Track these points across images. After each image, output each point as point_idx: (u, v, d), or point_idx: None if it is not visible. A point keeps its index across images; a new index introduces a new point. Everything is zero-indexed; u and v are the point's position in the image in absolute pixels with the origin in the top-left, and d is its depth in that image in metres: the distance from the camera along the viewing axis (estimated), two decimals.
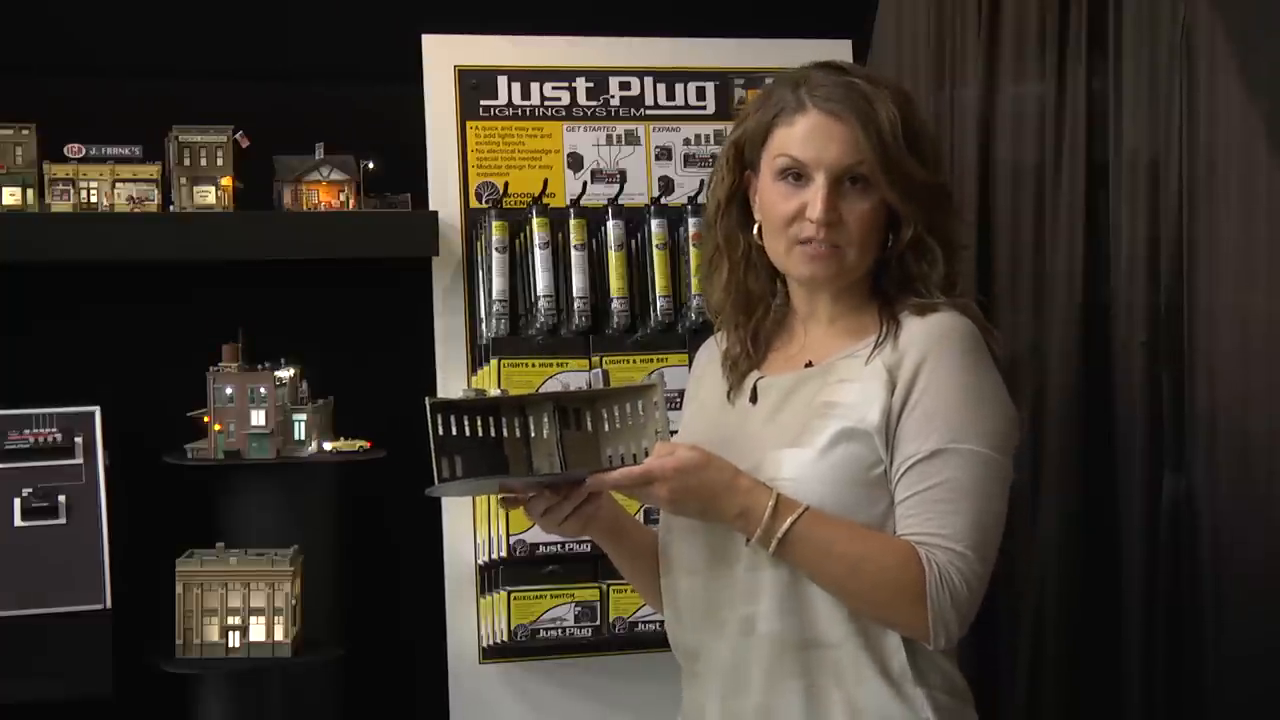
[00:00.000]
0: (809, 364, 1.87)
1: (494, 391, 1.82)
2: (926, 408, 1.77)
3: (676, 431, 1.90)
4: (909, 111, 1.83)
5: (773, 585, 1.79)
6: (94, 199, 2.63)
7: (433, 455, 1.72)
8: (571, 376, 2.74)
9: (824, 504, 1.76)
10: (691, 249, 2.80)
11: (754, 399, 1.88)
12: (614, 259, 2.79)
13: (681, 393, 2.75)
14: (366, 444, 2.70)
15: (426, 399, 1.74)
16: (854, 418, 1.78)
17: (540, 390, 2.68)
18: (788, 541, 1.74)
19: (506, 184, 2.81)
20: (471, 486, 1.88)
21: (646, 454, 1.78)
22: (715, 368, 1.96)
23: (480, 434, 1.75)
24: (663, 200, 2.86)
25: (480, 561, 2.78)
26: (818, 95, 1.82)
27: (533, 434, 1.79)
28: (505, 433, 1.76)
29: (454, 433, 1.74)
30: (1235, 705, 2.61)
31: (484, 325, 2.78)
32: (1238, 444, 2.61)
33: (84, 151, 2.63)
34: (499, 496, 1.84)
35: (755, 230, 1.89)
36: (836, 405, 1.80)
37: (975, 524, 1.75)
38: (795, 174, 1.82)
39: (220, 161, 2.68)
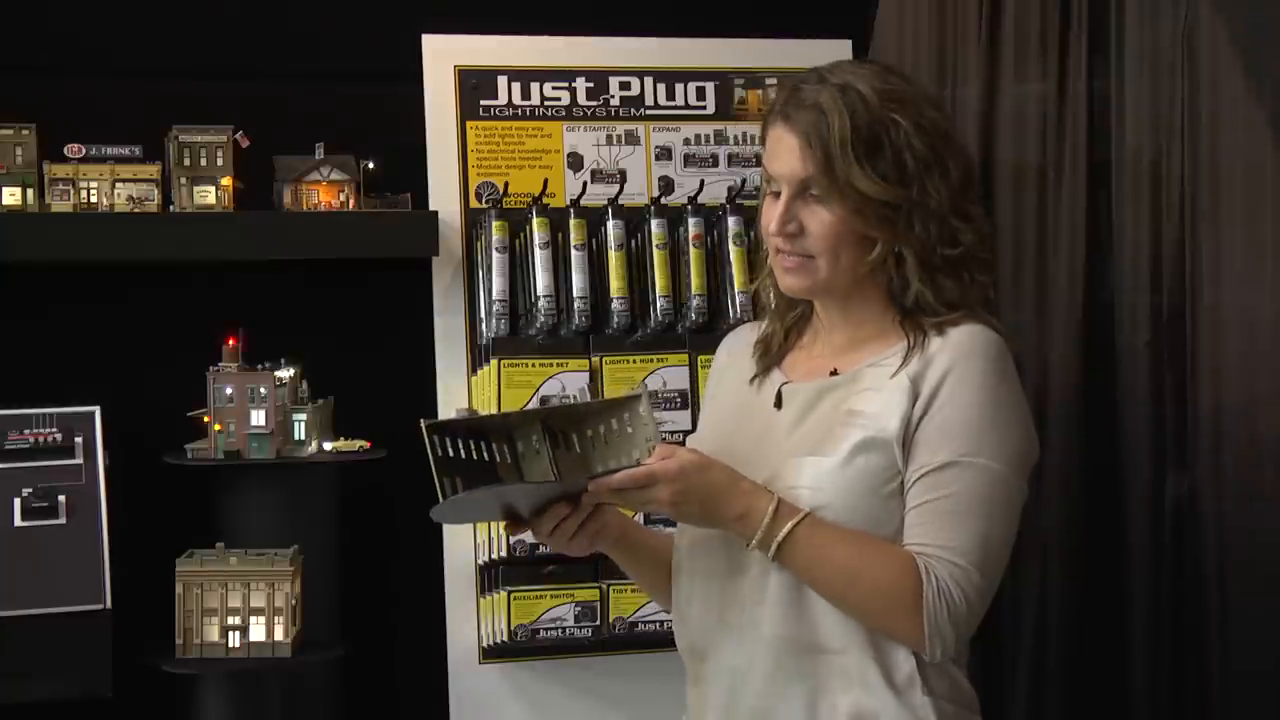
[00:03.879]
0: (834, 372, 1.86)
1: (483, 412, 1.81)
2: (944, 419, 1.75)
3: (674, 423, 1.89)
4: (872, 116, 1.76)
5: (778, 588, 1.79)
6: (94, 199, 2.63)
7: (434, 475, 1.71)
8: (571, 377, 2.74)
9: (840, 514, 1.75)
10: (692, 249, 2.80)
11: (778, 404, 1.87)
12: (614, 259, 2.79)
13: (681, 393, 2.78)
14: (366, 444, 2.70)
15: (422, 421, 1.73)
16: (875, 427, 1.77)
17: (539, 391, 2.68)
18: (786, 546, 1.73)
19: (506, 184, 2.81)
20: (473, 509, 1.87)
21: (639, 464, 1.77)
22: (737, 365, 1.95)
23: (475, 457, 1.75)
24: (663, 200, 2.86)
25: (480, 561, 2.78)
26: (784, 104, 1.81)
27: (523, 456, 1.78)
28: (499, 457, 1.76)
29: (451, 454, 1.73)
30: (1241, 708, 2.60)
31: (484, 325, 2.78)
32: (1242, 446, 2.60)
33: (84, 151, 2.63)
34: (503, 523, 1.82)
35: None
36: (860, 415, 1.78)
37: (980, 539, 1.73)
38: (774, 186, 1.82)
39: (220, 161, 2.68)
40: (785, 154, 1.79)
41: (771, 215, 1.81)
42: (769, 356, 1.91)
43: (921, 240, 1.78)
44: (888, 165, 1.76)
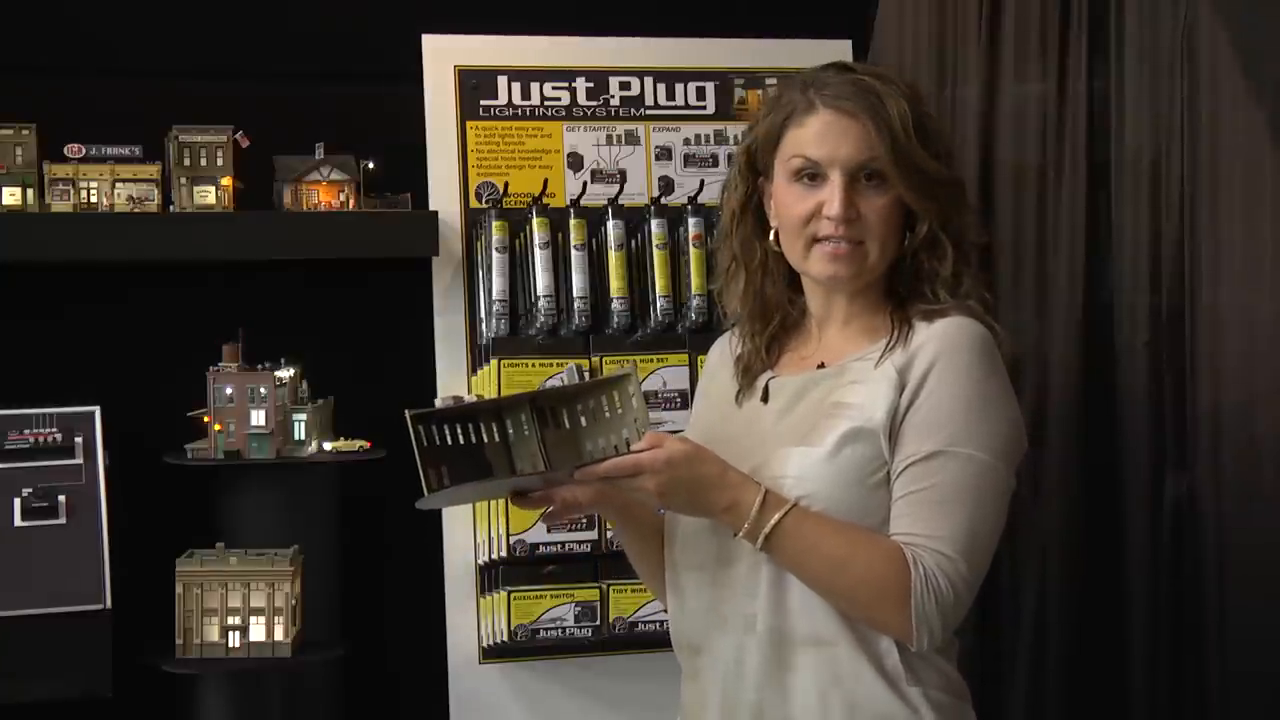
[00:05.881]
0: (821, 365, 1.86)
1: (470, 398, 1.81)
2: (930, 409, 1.76)
3: (675, 423, 1.89)
4: (918, 107, 1.83)
5: (768, 580, 1.79)
6: (94, 199, 2.63)
7: (419, 467, 1.71)
8: (568, 377, 2.74)
9: (827, 505, 1.76)
10: (692, 249, 2.80)
11: (765, 398, 1.88)
12: (614, 259, 2.79)
13: (681, 393, 2.78)
14: (366, 444, 2.70)
15: (406, 411, 1.73)
16: (861, 418, 1.77)
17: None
18: (774, 537, 1.74)
19: (506, 184, 2.81)
20: (460, 495, 1.87)
21: (627, 444, 1.77)
22: (729, 365, 1.96)
23: (463, 441, 1.75)
24: (663, 200, 2.86)
25: (480, 561, 2.78)
26: (827, 94, 1.82)
27: (512, 436, 1.78)
28: (486, 438, 1.76)
29: (437, 442, 1.73)
30: (1240, 708, 2.60)
31: (484, 325, 2.78)
32: (1242, 446, 2.61)
33: (84, 151, 2.63)
34: (511, 496, 1.82)
35: (771, 236, 1.89)
36: (846, 406, 1.79)
37: (967, 529, 1.74)
38: (810, 174, 1.82)
39: (220, 161, 2.68)
40: (842, 138, 1.80)
41: (811, 201, 1.81)
42: (750, 374, 1.91)
43: (959, 227, 1.83)
44: (939, 148, 1.83)
